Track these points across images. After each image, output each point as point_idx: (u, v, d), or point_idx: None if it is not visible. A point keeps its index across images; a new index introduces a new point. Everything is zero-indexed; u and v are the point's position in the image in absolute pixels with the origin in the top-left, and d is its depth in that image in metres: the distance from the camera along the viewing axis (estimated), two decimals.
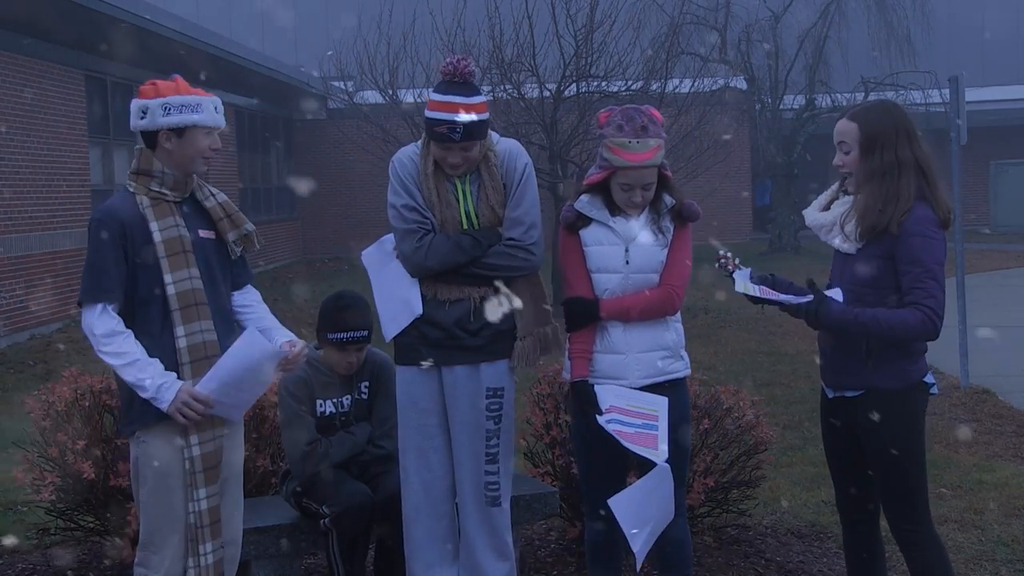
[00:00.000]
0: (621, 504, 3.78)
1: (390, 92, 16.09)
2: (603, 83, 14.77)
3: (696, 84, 16.18)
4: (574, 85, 14.70)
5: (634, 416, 3.80)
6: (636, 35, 15.50)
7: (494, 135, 4.01)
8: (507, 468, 4.08)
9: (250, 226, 3.85)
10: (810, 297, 3.59)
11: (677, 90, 15.49)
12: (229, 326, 3.79)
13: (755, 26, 23.47)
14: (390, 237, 4.06)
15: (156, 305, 3.61)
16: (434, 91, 3.86)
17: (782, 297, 3.63)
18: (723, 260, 3.80)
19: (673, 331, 3.96)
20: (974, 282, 13.57)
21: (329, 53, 19.78)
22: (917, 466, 3.65)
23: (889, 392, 3.58)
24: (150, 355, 3.57)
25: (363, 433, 4.54)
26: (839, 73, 24.40)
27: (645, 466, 3.85)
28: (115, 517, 4.83)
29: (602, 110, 3.97)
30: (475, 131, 3.83)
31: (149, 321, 3.61)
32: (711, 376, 7.92)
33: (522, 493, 4.64)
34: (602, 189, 3.90)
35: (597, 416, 3.81)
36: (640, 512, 3.77)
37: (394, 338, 4.05)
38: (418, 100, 15.88)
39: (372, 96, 17.67)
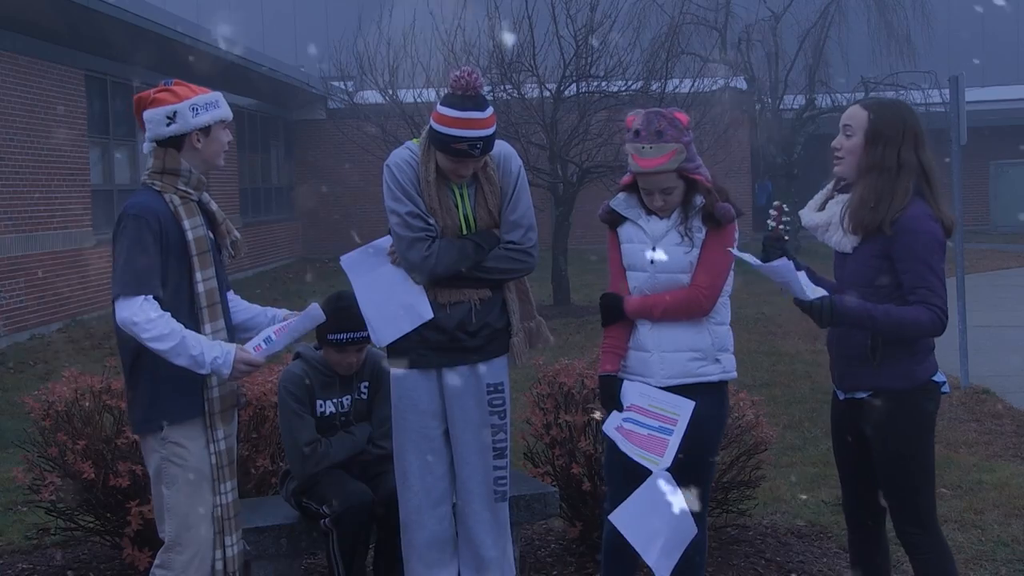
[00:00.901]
0: (622, 518, 3.75)
1: (390, 92, 16.10)
2: (603, 83, 14.78)
3: (696, 84, 16.18)
4: (574, 85, 14.71)
5: (652, 417, 3.76)
6: (636, 35, 15.52)
7: None
8: (509, 463, 4.11)
9: (237, 233, 3.98)
10: (822, 293, 3.51)
11: (677, 90, 15.49)
12: (232, 325, 3.90)
13: (755, 26, 23.47)
14: (386, 240, 4.03)
15: (185, 303, 3.67)
16: (448, 106, 3.79)
17: (795, 282, 3.47)
18: (778, 217, 3.74)
19: (709, 333, 3.88)
20: (974, 282, 13.59)
21: (312, 52, 19.74)
22: (924, 468, 3.63)
23: (896, 392, 3.56)
24: None
25: (363, 433, 4.55)
26: (839, 73, 24.40)
27: (680, 471, 3.77)
28: (115, 517, 4.83)
29: (630, 112, 3.96)
30: (491, 144, 3.86)
31: (182, 318, 3.63)
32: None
33: (522, 493, 4.64)
34: (636, 188, 3.92)
35: (613, 413, 3.81)
36: (645, 525, 3.71)
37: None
38: (418, 100, 15.90)
39: (372, 96, 17.68)
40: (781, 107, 24.17)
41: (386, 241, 4.03)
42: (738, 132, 22.42)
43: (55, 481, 4.81)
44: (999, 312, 13.57)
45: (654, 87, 15.16)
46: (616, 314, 3.91)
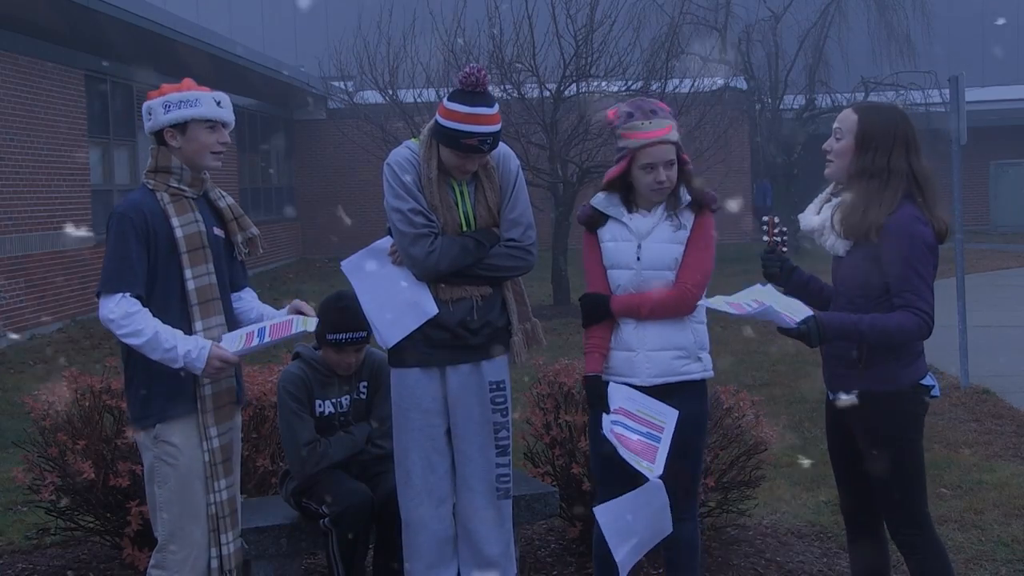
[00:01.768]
0: (607, 513, 3.76)
1: (390, 92, 16.10)
2: (603, 83, 14.79)
3: (696, 84, 16.19)
4: (574, 85, 14.71)
5: (640, 423, 3.77)
6: (636, 35, 15.52)
7: None
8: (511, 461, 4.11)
9: (255, 230, 3.97)
10: (805, 316, 3.50)
11: (677, 90, 15.50)
12: (233, 323, 3.88)
13: (755, 26, 23.48)
14: (385, 241, 4.04)
15: (175, 300, 3.69)
16: (455, 102, 3.81)
17: (775, 316, 3.48)
18: (771, 231, 3.75)
19: (691, 331, 3.93)
20: (974, 282, 13.59)
21: (312, 53, 19.73)
22: (914, 470, 3.62)
23: (882, 395, 3.56)
24: None
25: (362, 433, 4.55)
26: (839, 73, 24.40)
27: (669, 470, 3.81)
28: (115, 517, 4.83)
29: (609, 108, 4.00)
30: (498, 140, 3.90)
31: (169, 316, 3.65)
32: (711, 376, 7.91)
33: (522, 493, 4.64)
34: (620, 187, 3.92)
35: (604, 416, 3.80)
36: (626, 525, 3.74)
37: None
38: (418, 100, 15.90)
39: (372, 96, 17.68)
40: (781, 107, 24.17)
41: (386, 242, 4.03)
42: (738, 132, 22.43)
43: (55, 481, 4.80)
44: (999, 312, 13.57)
45: (654, 87, 15.16)
46: (602, 313, 3.90)
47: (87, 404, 4.95)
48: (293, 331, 3.78)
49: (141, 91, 16.10)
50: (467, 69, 3.84)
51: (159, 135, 3.75)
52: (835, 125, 3.65)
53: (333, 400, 4.52)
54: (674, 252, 3.89)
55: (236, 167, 21.38)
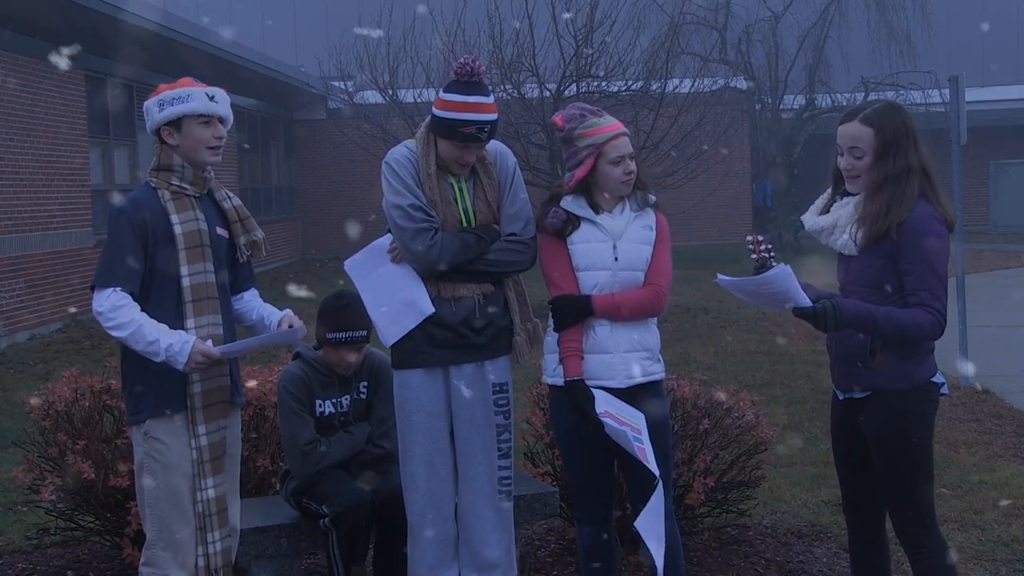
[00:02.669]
0: (646, 526, 3.76)
1: (390, 92, 16.09)
2: (603, 83, 14.78)
3: (696, 84, 16.19)
4: (574, 85, 14.70)
5: (624, 425, 3.80)
6: (636, 35, 15.51)
7: None
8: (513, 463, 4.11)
9: (260, 233, 3.98)
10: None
11: (677, 90, 15.49)
12: (232, 323, 3.90)
13: (755, 26, 23.48)
14: (385, 239, 4.04)
15: (171, 296, 3.70)
16: (451, 92, 3.85)
17: (795, 289, 3.43)
18: (756, 248, 3.74)
19: (653, 333, 4.00)
20: (974, 282, 13.59)
21: (312, 53, 19.71)
22: (923, 468, 3.62)
23: (894, 393, 3.56)
24: None
25: (362, 433, 4.55)
26: (839, 73, 24.41)
27: (634, 469, 3.87)
28: (115, 517, 4.83)
29: (554, 115, 4.06)
30: (495, 130, 3.92)
31: (163, 312, 3.68)
32: (711, 376, 7.93)
33: (522, 493, 4.64)
34: (583, 189, 3.93)
35: (599, 414, 3.77)
36: (657, 529, 3.78)
37: (395, 342, 4.03)
38: (418, 100, 15.90)
39: (372, 96, 17.67)
40: (781, 107, 24.17)
41: (385, 240, 4.03)
42: (738, 132, 22.42)
43: (55, 481, 4.80)
44: (999, 312, 13.57)
45: (654, 87, 15.16)
46: (584, 313, 3.87)
47: (87, 404, 4.95)
48: (280, 339, 3.81)
49: (141, 91, 16.10)
50: (462, 60, 3.89)
51: (159, 134, 3.78)
52: (850, 144, 3.57)
53: (333, 400, 4.52)
54: (646, 252, 3.93)
55: (236, 167, 21.37)
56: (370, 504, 4.36)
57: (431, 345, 3.94)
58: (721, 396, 5.12)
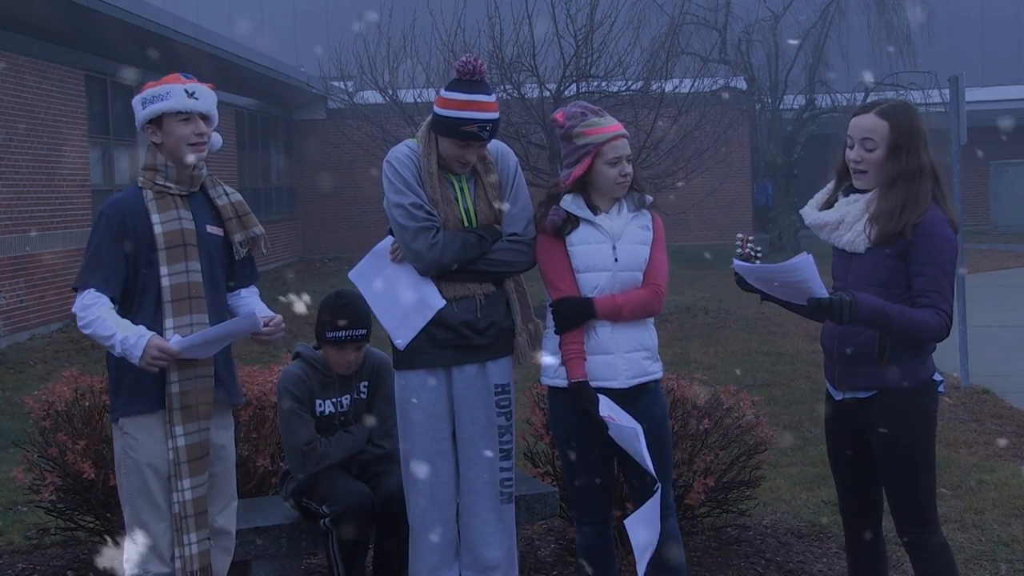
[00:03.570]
0: (636, 526, 3.78)
1: (390, 92, 16.09)
2: (603, 83, 14.78)
3: (696, 84, 16.19)
4: (574, 85, 14.70)
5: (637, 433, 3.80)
6: (636, 35, 15.51)
7: None
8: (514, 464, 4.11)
9: (259, 229, 3.92)
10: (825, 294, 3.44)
11: (677, 90, 15.49)
12: (225, 319, 3.84)
13: (755, 26, 23.48)
14: (386, 242, 4.03)
15: (152, 296, 3.69)
16: (453, 91, 3.85)
17: (815, 280, 3.35)
18: (743, 246, 3.75)
19: (651, 332, 4.00)
20: (974, 282, 13.58)
21: (319, 51, 19.67)
22: (927, 467, 3.63)
23: (903, 391, 3.55)
24: None
25: (362, 433, 4.54)
26: (839, 73, 24.41)
27: (635, 470, 3.87)
28: (115, 517, 4.83)
29: (554, 113, 4.04)
30: (496, 129, 3.92)
31: (145, 312, 3.68)
32: (711, 376, 7.92)
33: (522, 493, 4.63)
34: (580, 188, 3.93)
35: (602, 415, 3.76)
36: (646, 533, 3.78)
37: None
38: (418, 100, 15.90)
39: (372, 96, 17.67)
40: (781, 107, 24.17)
41: (387, 243, 4.02)
42: (738, 132, 22.42)
43: (55, 481, 4.81)
44: (999, 312, 13.56)
45: (654, 87, 15.15)
46: (586, 315, 3.85)
47: (87, 404, 4.95)
48: (239, 327, 3.73)
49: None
50: (464, 58, 3.88)
51: (144, 132, 3.78)
52: (863, 136, 3.55)
53: (333, 400, 4.52)
54: (644, 253, 3.93)
55: (236, 167, 21.37)
56: (370, 504, 4.36)
57: (433, 346, 3.94)
58: (714, 396, 5.13)
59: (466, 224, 3.94)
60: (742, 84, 23.05)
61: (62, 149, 14.18)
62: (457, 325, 3.92)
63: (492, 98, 3.89)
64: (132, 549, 3.74)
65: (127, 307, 3.69)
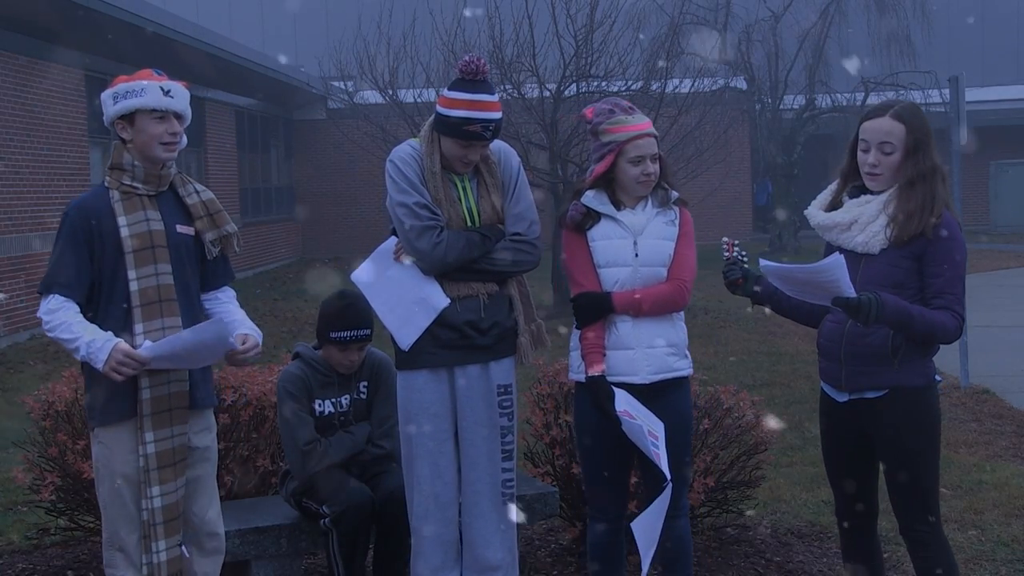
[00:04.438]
0: (640, 526, 3.76)
1: (390, 92, 16.09)
2: (603, 83, 14.78)
3: (696, 84, 16.19)
4: (574, 85, 14.70)
5: (646, 430, 3.79)
6: (636, 35, 15.51)
7: None
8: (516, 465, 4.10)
9: (231, 227, 3.81)
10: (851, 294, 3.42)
11: (677, 90, 15.50)
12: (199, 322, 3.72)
13: (755, 26, 23.47)
14: (389, 242, 4.03)
15: (120, 301, 3.60)
16: (456, 91, 3.85)
17: (844, 280, 3.33)
18: (730, 249, 3.78)
19: (679, 328, 3.97)
20: (974, 282, 13.54)
21: (312, 53, 19.69)
22: (934, 465, 3.64)
23: (914, 390, 3.56)
24: None
25: (362, 433, 4.54)
26: (839, 73, 24.39)
27: (647, 468, 3.87)
28: None
29: (585, 108, 4.03)
30: (499, 129, 3.91)
31: (113, 317, 3.59)
32: (711, 376, 7.92)
33: (522, 493, 4.63)
34: (605, 185, 3.92)
35: (618, 411, 3.76)
36: (652, 532, 3.77)
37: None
38: (418, 100, 15.90)
39: (372, 96, 17.67)
40: (781, 107, 24.16)
41: (390, 243, 4.01)
42: (738, 132, 22.42)
43: (55, 481, 4.80)
44: (999, 312, 13.56)
45: (654, 87, 15.16)
46: (604, 310, 3.87)
47: None
48: (209, 333, 3.57)
49: None
50: (466, 58, 3.87)
51: (113, 129, 3.69)
52: (881, 140, 3.54)
53: (333, 400, 4.52)
54: (668, 248, 3.92)
55: (236, 167, 21.36)
56: (370, 504, 4.36)
57: (436, 346, 3.93)
58: (713, 396, 5.13)
59: (469, 224, 3.94)
60: (742, 84, 23.04)
61: (62, 149, 14.18)
62: (460, 325, 3.91)
63: (495, 98, 3.88)
64: (109, 554, 3.72)
65: (94, 312, 3.59)
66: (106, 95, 3.69)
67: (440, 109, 3.87)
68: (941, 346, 3.65)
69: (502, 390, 3.99)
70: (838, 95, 23.37)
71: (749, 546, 5.29)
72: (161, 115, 3.62)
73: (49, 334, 3.59)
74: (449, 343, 3.92)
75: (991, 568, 4.97)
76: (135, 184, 3.64)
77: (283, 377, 4.51)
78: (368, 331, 4.44)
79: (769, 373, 9.99)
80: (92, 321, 3.57)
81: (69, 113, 14.43)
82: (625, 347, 3.88)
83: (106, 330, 3.54)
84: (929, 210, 3.49)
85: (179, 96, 3.68)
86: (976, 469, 6.56)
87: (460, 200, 3.94)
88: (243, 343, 3.69)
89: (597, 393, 3.83)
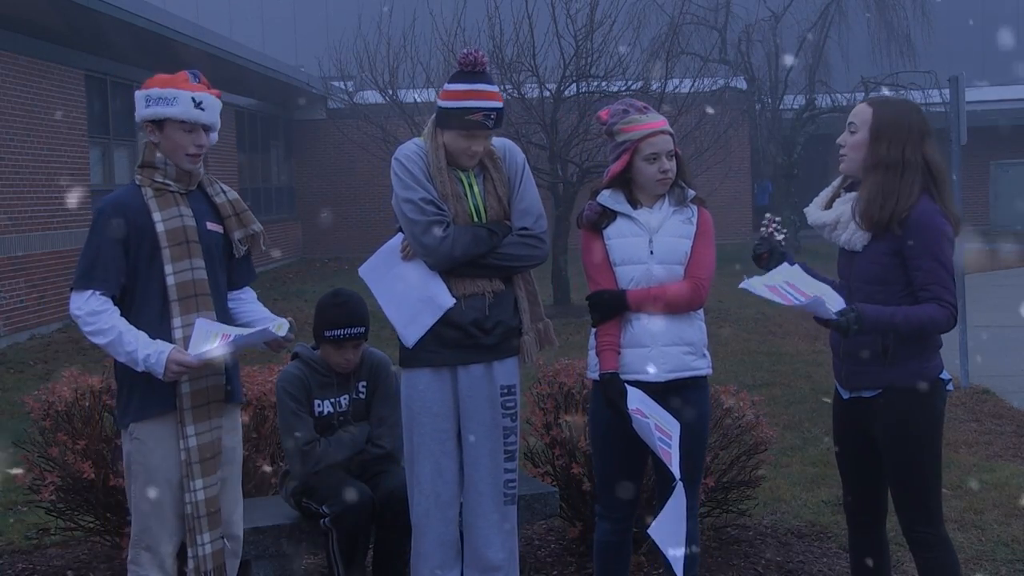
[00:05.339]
0: (659, 532, 3.73)
1: (390, 92, 16.10)
2: (603, 83, 14.79)
3: (696, 84, 16.19)
4: (574, 85, 14.71)
5: (655, 428, 3.78)
6: (636, 35, 15.52)
7: None
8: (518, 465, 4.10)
9: (258, 226, 3.90)
10: (840, 306, 3.50)
11: (677, 90, 15.50)
12: (227, 320, 3.82)
13: (755, 26, 23.47)
14: (396, 239, 4.02)
15: (156, 295, 3.64)
16: (456, 82, 3.87)
17: (821, 306, 3.47)
18: (768, 225, 3.78)
19: (697, 328, 3.98)
20: (974, 282, 13.57)
21: (312, 53, 19.70)
22: (933, 466, 3.64)
23: (906, 390, 3.57)
24: None
25: (362, 432, 4.54)
26: (839, 73, 24.39)
27: (662, 469, 3.86)
28: (115, 517, 4.83)
29: (600, 110, 4.04)
30: (501, 119, 3.92)
31: (149, 311, 3.63)
32: (711, 376, 7.92)
33: (522, 493, 4.63)
34: (621, 184, 3.94)
35: (630, 408, 3.75)
36: (675, 536, 3.74)
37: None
38: (418, 100, 15.91)
39: (372, 96, 17.68)
40: (781, 107, 24.15)
41: (397, 240, 4.01)
42: (738, 132, 22.42)
43: (55, 481, 4.80)
44: (999, 312, 13.55)
45: (654, 87, 15.16)
46: (618, 308, 3.88)
47: (87, 404, 4.95)
48: (265, 337, 3.69)
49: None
50: (465, 51, 3.89)
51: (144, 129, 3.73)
52: (849, 120, 3.67)
53: (332, 400, 4.52)
54: (684, 247, 3.92)
55: (236, 167, 21.36)
56: (370, 504, 4.36)
57: (439, 345, 3.92)
58: (714, 396, 5.12)
59: (476, 220, 3.94)
60: (742, 84, 23.05)
61: (62, 149, 14.18)
62: (465, 324, 3.90)
63: (495, 88, 3.90)
64: (135, 553, 3.72)
65: (127, 307, 3.64)
66: (139, 94, 3.71)
67: (441, 102, 3.89)
68: (943, 343, 3.66)
69: (506, 391, 3.98)
70: (838, 95, 23.36)
71: (749, 546, 5.29)
72: (190, 127, 3.66)
73: (93, 337, 3.59)
74: (453, 342, 3.92)
75: (991, 568, 4.98)
76: (167, 181, 3.70)
77: (282, 377, 4.51)
78: (362, 329, 4.44)
79: (769, 373, 9.99)
80: (127, 316, 3.61)
81: (69, 113, 14.43)
82: (640, 344, 3.88)
83: (143, 326, 3.59)
84: (892, 201, 3.50)
85: (210, 109, 3.71)
86: (976, 469, 6.56)
87: (466, 196, 3.94)
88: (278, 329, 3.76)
89: (609, 390, 3.84)
